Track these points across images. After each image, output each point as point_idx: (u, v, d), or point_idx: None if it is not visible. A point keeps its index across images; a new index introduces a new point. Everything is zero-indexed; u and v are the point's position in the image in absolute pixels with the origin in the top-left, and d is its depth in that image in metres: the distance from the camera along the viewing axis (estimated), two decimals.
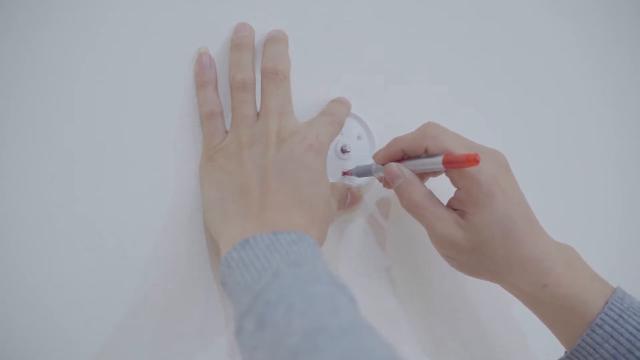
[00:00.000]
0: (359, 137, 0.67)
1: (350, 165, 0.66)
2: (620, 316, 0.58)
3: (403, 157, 0.62)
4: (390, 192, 0.69)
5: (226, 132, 0.61)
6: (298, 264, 0.50)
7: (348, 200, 0.65)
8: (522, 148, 0.79)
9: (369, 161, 0.65)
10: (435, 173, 0.64)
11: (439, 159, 0.58)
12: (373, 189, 0.68)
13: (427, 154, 0.60)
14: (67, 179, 0.56)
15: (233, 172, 0.58)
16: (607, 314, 0.58)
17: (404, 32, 0.71)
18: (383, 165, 0.63)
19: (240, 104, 0.60)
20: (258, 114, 0.60)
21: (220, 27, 0.62)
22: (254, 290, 0.49)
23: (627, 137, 0.88)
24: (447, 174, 0.60)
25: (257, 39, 0.63)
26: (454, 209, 0.60)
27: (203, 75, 0.60)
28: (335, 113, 0.63)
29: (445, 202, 0.61)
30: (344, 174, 0.66)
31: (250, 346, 0.47)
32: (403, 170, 0.61)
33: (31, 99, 0.55)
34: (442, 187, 0.62)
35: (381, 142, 0.67)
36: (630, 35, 0.88)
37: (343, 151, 0.66)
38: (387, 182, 0.65)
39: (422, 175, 0.62)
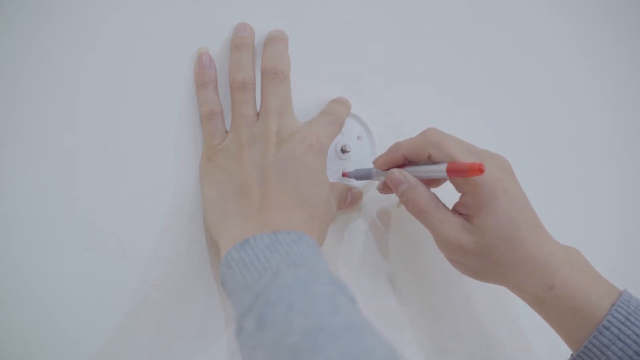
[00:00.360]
0: (359, 137, 0.67)
1: (350, 165, 0.66)
2: (627, 318, 0.58)
3: (404, 163, 0.62)
4: (392, 193, 0.69)
5: (226, 132, 0.61)
6: (298, 264, 0.50)
7: (348, 200, 0.65)
8: (522, 148, 0.79)
9: (369, 161, 0.65)
10: (438, 181, 0.64)
11: (443, 167, 0.58)
12: (373, 189, 0.68)
13: (431, 161, 0.60)
14: (67, 179, 0.56)
15: (233, 172, 0.58)
16: (614, 316, 0.58)
17: (404, 32, 0.71)
18: (384, 171, 0.63)
19: (240, 104, 0.60)
20: (258, 114, 0.60)
21: (220, 27, 0.62)
22: (254, 290, 0.49)
23: (627, 137, 0.88)
24: (451, 181, 0.60)
25: (257, 39, 0.63)
26: (460, 214, 0.60)
27: (203, 75, 0.60)
28: (335, 113, 0.63)
29: (449, 207, 0.61)
30: (343, 175, 0.66)
31: (251, 346, 0.47)
32: (406, 176, 0.60)
33: (31, 99, 0.55)
34: (444, 191, 0.62)
35: (381, 142, 0.67)
36: (630, 35, 0.88)
37: (343, 151, 0.66)
38: (385, 188, 0.65)
39: (426, 182, 0.62)
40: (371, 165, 0.64)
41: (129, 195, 0.58)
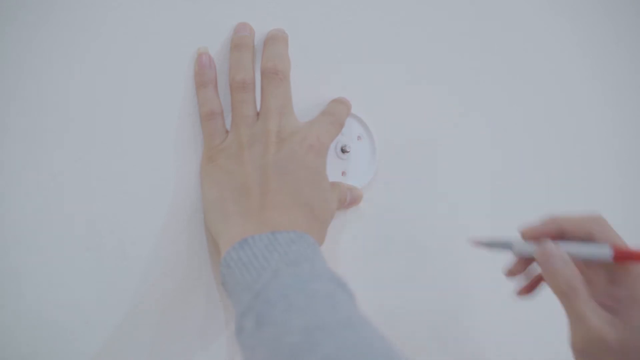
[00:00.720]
0: (358, 137, 0.67)
1: (349, 166, 0.66)
2: None
3: (556, 237, 0.58)
4: (392, 193, 0.69)
5: (226, 132, 0.61)
6: (297, 263, 0.50)
7: (348, 200, 0.65)
8: (521, 148, 0.79)
9: (369, 162, 0.64)
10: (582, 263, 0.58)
11: (608, 249, 0.55)
12: (374, 190, 0.68)
13: (591, 240, 0.56)
14: (67, 178, 0.56)
15: (233, 172, 0.58)
16: None
17: (404, 32, 0.71)
18: (533, 241, 0.58)
19: (240, 104, 0.60)
20: (258, 114, 0.60)
21: (220, 27, 0.62)
22: (253, 290, 0.49)
23: (627, 137, 0.88)
24: (607, 268, 0.56)
25: (257, 39, 0.63)
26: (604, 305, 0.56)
27: (203, 75, 0.60)
28: (336, 113, 0.63)
29: None
30: (473, 242, 0.60)
31: (251, 346, 0.47)
32: (561, 250, 0.56)
33: (31, 99, 0.55)
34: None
35: (381, 142, 0.67)
36: (630, 35, 0.88)
37: (343, 151, 0.66)
38: (519, 265, 0.60)
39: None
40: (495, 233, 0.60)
41: (129, 195, 0.58)
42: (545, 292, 0.59)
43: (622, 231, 0.84)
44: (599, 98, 0.86)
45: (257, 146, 0.58)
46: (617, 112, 0.87)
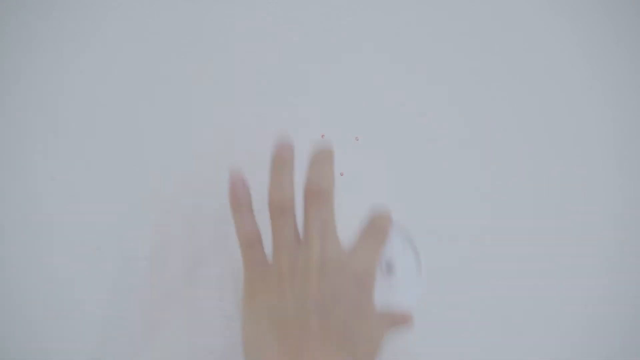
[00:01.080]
0: (402, 248, 0.61)
1: (398, 284, 0.61)
2: None
3: None
4: (395, 199, 0.69)
5: (266, 260, 0.57)
6: None
7: (400, 324, 0.60)
8: (521, 148, 0.79)
9: (416, 273, 0.60)
10: None
11: None
12: (373, 197, 0.68)
13: None
14: (67, 179, 0.56)
15: (274, 308, 0.55)
16: None
17: (404, 32, 0.71)
18: None
19: (279, 228, 0.56)
20: (300, 238, 0.57)
21: (220, 27, 0.62)
22: None
23: (627, 137, 0.88)
24: None
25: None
26: None
27: (237, 200, 0.56)
28: (379, 231, 0.59)
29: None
30: None
31: None
32: None
33: (31, 99, 0.55)
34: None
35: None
36: (630, 35, 0.88)
37: (389, 269, 0.60)
38: None
39: None
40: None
41: (129, 196, 0.58)
42: (547, 293, 0.59)
43: (622, 232, 0.85)
44: (599, 98, 0.86)
45: (298, 277, 0.55)
46: (617, 112, 0.87)
